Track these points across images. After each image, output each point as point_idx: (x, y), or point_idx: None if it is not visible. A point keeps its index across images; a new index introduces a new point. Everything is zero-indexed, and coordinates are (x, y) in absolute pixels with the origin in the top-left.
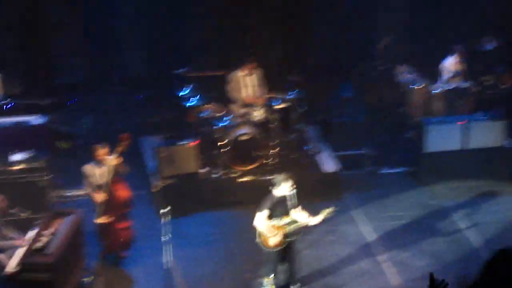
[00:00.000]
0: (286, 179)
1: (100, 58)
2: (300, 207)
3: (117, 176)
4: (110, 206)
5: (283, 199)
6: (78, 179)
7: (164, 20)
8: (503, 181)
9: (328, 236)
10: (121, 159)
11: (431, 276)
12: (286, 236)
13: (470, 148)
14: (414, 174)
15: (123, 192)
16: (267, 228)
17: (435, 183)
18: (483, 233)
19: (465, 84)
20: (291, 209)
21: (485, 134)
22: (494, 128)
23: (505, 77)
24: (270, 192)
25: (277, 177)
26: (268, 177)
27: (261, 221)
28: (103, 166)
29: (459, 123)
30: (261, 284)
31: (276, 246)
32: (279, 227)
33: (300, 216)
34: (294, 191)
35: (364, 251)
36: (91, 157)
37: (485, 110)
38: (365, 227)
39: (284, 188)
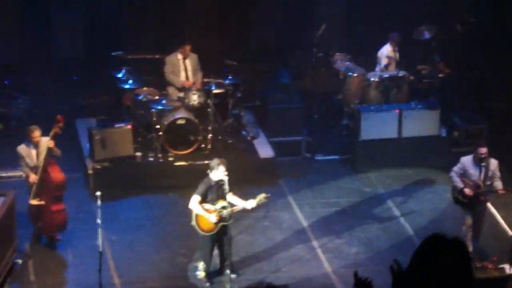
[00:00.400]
0: (221, 164)
1: (35, 38)
2: (231, 192)
3: (51, 158)
4: (44, 188)
5: (219, 183)
6: (12, 160)
7: (100, 0)
8: (437, 169)
9: (262, 221)
10: (55, 141)
11: (355, 275)
12: (220, 220)
13: (405, 136)
14: (349, 162)
15: (57, 174)
16: (201, 211)
17: (370, 171)
18: (416, 221)
19: (401, 73)
20: (226, 193)
21: (420, 123)
22: (429, 117)
23: (441, 66)
24: (206, 175)
25: (214, 161)
26: (204, 162)
27: (196, 203)
28: (38, 147)
29: (394, 111)
30: (195, 268)
31: (210, 230)
32: (213, 211)
33: (235, 201)
34: (226, 176)
35: (298, 237)
36: (25, 138)
37: (421, 99)
38: (300, 213)
39: (220, 172)
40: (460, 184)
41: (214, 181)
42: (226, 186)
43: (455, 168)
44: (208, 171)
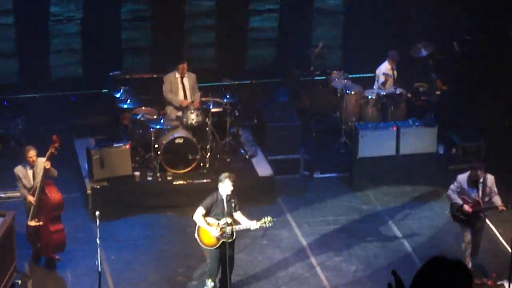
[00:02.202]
0: (229, 177)
1: (33, 58)
2: (239, 210)
3: (48, 178)
4: (41, 208)
5: (226, 198)
6: (11, 180)
7: (97, 20)
8: (435, 187)
9: (261, 240)
10: (50, 162)
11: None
12: (221, 235)
13: (403, 154)
14: (347, 179)
15: (54, 194)
16: (203, 223)
17: (368, 188)
18: (415, 238)
19: (399, 90)
20: (234, 210)
21: (418, 140)
22: (427, 134)
23: (438, 83)
24: (216, 189)
25: (222, 175)
26: (203, 181)
27: (199, 215)
28: (34, 167)
29: (392, 129)
30: (203, 284)
31: (211, 244)
32: (215, 226)
33: (241, 219)
34: (231, 191)
35: (297, 255)
36: (22, 159)
37: (418, 116)
38: (299, 231)
39: (227, 186)
40: (458, 201)
41: (222, 195)
42: (235, 203)
43: (452, 186)
44: (219, 183)
